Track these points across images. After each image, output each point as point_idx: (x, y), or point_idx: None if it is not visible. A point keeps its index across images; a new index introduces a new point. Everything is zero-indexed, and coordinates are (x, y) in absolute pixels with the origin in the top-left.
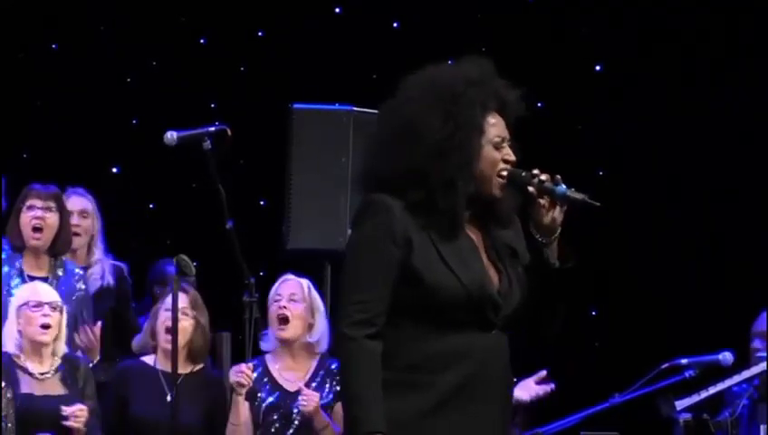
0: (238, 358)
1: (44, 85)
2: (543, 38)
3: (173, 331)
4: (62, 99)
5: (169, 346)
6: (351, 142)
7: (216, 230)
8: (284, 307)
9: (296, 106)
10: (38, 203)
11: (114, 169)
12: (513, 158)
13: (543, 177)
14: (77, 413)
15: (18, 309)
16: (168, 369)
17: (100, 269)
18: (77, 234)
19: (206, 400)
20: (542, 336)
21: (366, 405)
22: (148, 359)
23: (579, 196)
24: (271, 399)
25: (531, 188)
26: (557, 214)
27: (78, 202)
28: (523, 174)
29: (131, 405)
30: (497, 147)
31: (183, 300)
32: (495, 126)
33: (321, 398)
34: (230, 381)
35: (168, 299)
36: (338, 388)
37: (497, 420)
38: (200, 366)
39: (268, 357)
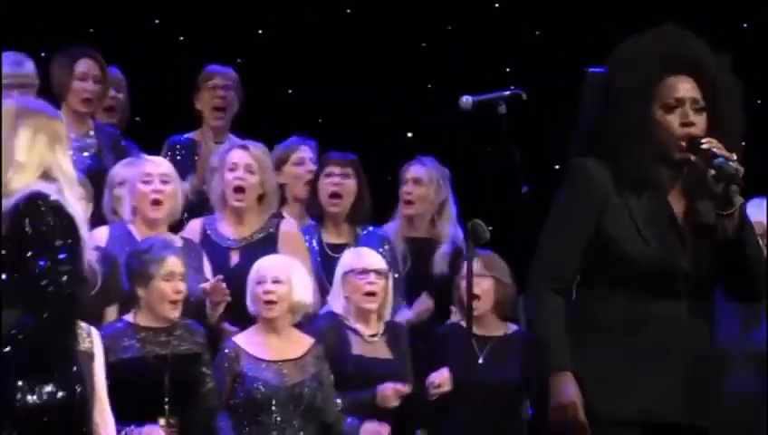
0: None
1: (336, 50)
2: None
3: (468, 296)
4: (354, 64)
5: (475, 312)
6: None
7: (510, 195)
8: None
9: (592, 70)
10: (336, 170)
11: (409, 134)
12: (689, 119)
13: (706, 145)
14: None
15: (344, 275)
16: (479, 332)
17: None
18: (410, 202)
19: (519, 362)
20: (749, 300)
21: (552, 347)
22: (463, 323)
23: (732, 170)
24: None
25: (694, 157)
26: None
27: (414, 170)
28: (697, 140)
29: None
30: (670, 109)
31: (477, 264)
32: (673, 88)
33: None
34: None
35: (463, 269)
36: None
37: (677, 392)
38: (513, 329)
39: None
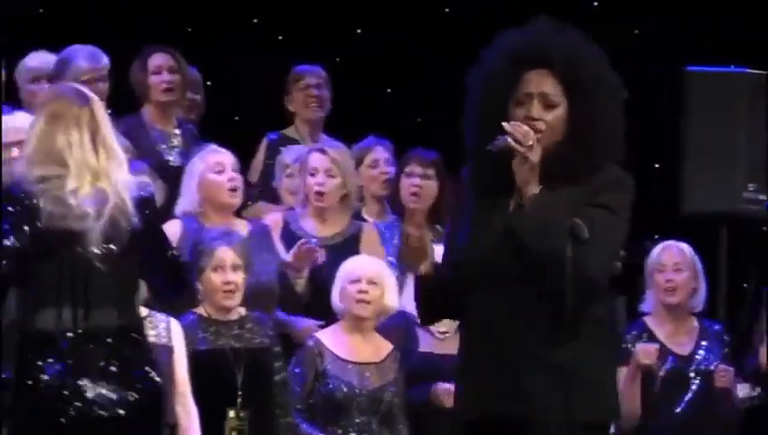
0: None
1: (434, 49)
2: None
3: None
4: (452, 62)
5: None
6: (746, 104)
7: None
8: (671, 280)
9: (691, 69)
10: (417, 170)
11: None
12: (531, 114)
13: (506, 127)
14: None
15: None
16: None
17: None
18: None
19: None
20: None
21: None
22: None
23: (503, 144)
24: (666, 365)
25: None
26: (517, 166)
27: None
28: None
29: None
30: (521, 105)
31: None
32: (525, 83)
33: (710, 361)
34: (638, 362)
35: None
36: (725, 350)
37: (505, 386)
38: None
39: (649, 320)
